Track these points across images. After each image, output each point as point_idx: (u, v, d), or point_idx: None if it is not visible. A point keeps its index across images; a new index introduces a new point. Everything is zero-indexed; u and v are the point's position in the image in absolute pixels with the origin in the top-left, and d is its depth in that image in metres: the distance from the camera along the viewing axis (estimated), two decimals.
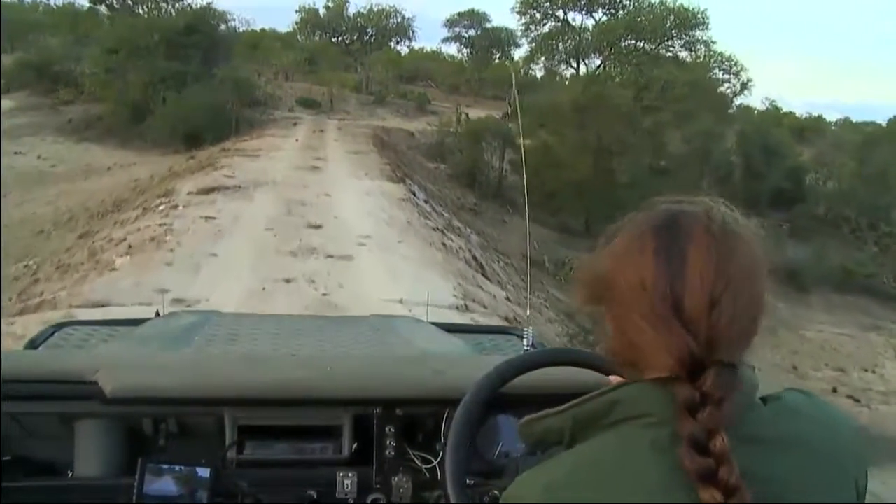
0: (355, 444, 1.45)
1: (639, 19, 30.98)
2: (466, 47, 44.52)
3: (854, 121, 44.92)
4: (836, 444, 0.83)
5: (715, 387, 0.74)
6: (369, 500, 1.42)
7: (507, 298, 9.82)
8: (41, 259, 11.27)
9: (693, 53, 31.42)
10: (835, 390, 15.05)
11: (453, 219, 16.46)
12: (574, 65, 33.31)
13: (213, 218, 11.39)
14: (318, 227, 11.41)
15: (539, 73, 36.29)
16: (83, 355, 1.90)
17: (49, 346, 2.22)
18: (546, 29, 33.54)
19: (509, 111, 29.32)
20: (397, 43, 45.56)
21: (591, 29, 32.83)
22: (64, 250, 11.53)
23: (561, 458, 0.81)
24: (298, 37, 44.00)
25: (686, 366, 0.76)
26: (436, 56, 47.79)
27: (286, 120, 26.50)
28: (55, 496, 1.37)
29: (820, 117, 46.53)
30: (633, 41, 31.26)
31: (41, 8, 41.44)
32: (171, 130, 23.14)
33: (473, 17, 43.69)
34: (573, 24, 33.12)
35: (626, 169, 22.84)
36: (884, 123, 36.75)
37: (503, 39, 43.03)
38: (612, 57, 31.66)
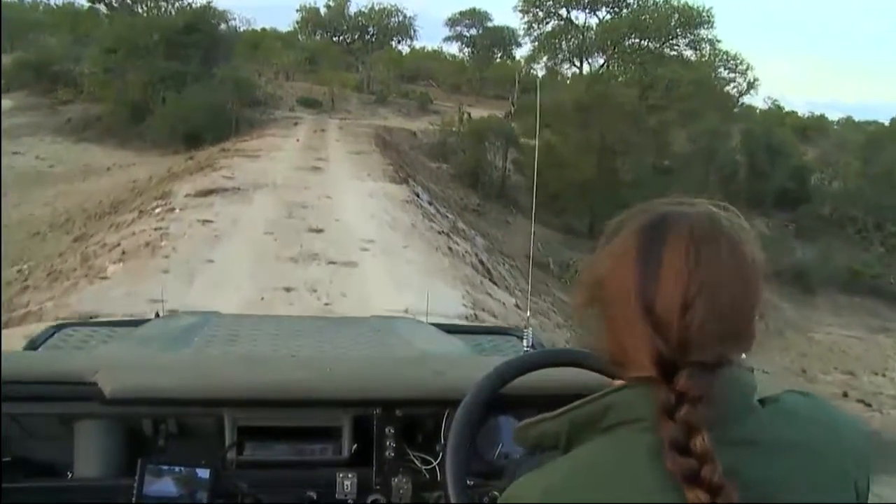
0: (355, 445, 1.45)
1: (643, 18, 30.84)
2: (468, 46, 44.44)
3: (856, 120, 44.79)
4: (835, 445, 0.82)
5: (688, 387, 0.74)
6: (369, 501, 1.42)
7: (517, 305, 9.53)
8: (35, 263, 10.98)
9: (698, 52, 31.24)
10: (845, 394, 14.82)
11: (458, 221, 16.19)
12: (577, 64, 33.13)
13: (211, 221, 11.08)
14: (319, 231, 11.11)
15: (541, 73, 36.11)
16: (83, 356, 1.90)
17: (49, 347, 2.22)
18: (549, 27, 33.40)
19: (512, 110, 29.12)
20: (398, 42, 45.45)
21: (594, 27, 32.65)
22: (58, 254, 11.26)
23: (558, 462, 0.81)
24: (299, 36, 43.86)
25: (660, 367, 0.76)
26: (437, 55, 47.64)
27: (287, 120, 26.31)
28: (55, 497, 1.37)
29: (822, 116, 46.45)
30: (637, 40, 31.07)
31: (41, 7, 41.33)
32: (170, 131, 23.00)
33: (475, 17, 43.63)
34: (576, 22, 32.97)
35: (630, 168, 22.62)
36: (886, 123, 36.60)
37: (505, 38, 42.98)
38: (615, 56, 31.48)
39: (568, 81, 33.28)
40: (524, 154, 22.73)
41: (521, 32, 35.71)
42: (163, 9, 30.58)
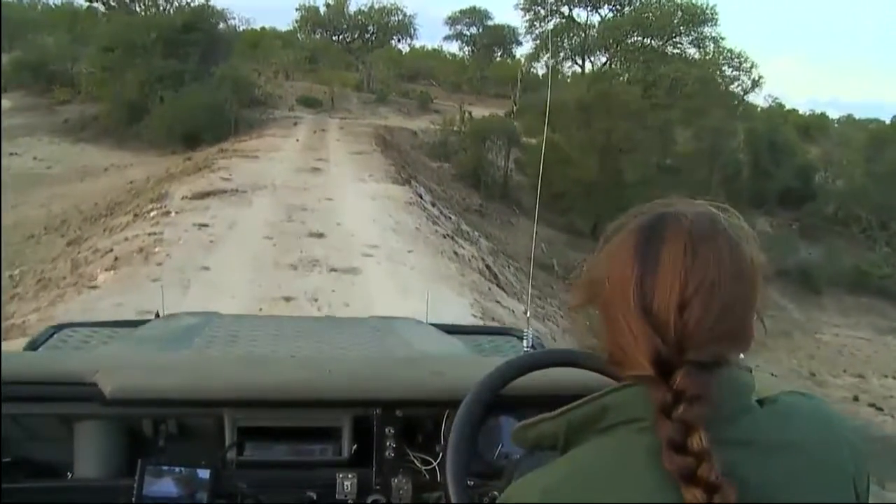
0: (355, 446, 1.45)
1: (645, 15, 30.64)
2: (468, 45, 44.37)
3: (857, 118, 44.66)
4: (833, 446, 0.82)
5: (686, 385, 0.75)
6: (369, 502, 1.42)
7: (526, 313, 9.26)
8: (27, 268, 10.65)
9: (701, 50, 31.03)
10: (856, 398, 14.62)
11: (461, 223, 15.91)
12: (579, 62, 32.94)
13: (207, 226, 10.73)
14: (320, 235, 10.75)
15: (541, 71, 35.93)
16: (83, 356, 1.90)
17: (48, 348, 2.22)
18: (551, 25, 33.22)
19: (514, 109, 28.90)
20: (398, 41, 45.41)
21: (596, 25, 32.46)
22: (50, 259, 10.95)
23: (558, 462, 0.81)
24: (299, 35, 43.81)
25: (657, 366, 0.76)
26: (437, 54, 47.47)
27: (286, 119, 26.06)
28: (55, 497, 1.37)
29: (823, 115, 46.28)
30: (640, 38, 30.87)
31: (39, 7, 41.13)
32: (168, 131, 22.78)
33: (475, 15, 43.68)
34: (578, 20, 32.80)
35: (635, 168, 22.40)
36: (887, 121, 36.51)
37: (505, 37, 42.92)
38: (618, 54, 31.29)
39: (568, 80, 33.13)
40: (527, 153, 22.53)
41: (523, 31, 35.57)
42: (161, 7, 30.39)
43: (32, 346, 2.24)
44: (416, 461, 1.44)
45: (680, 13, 30.36)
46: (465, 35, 44.03)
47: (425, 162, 23.73)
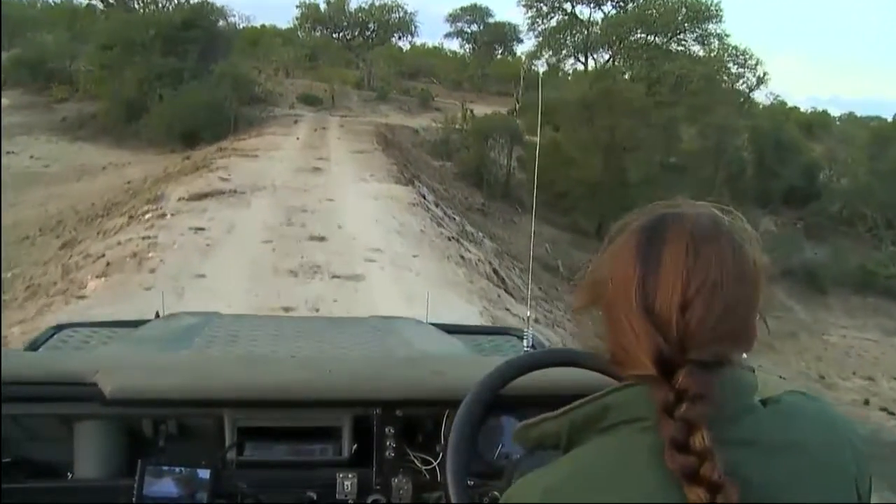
0: (355, 446, 1.45)
1: (649, 12, 30.43)
2: (469, 43, 44.23)
3: (858, 116, 44.50)
4: (836, 447, 0.83)
5: (688, 384, 0.75)
6: (369, 502, 1.42)
7: (536, 320, 8.98)
8: (19, 271, 10.36)
9: (706, 47, 30.81)
10: (867, 402, 14.37)
11: (465, 223, 15.61)
12: (582, 59, 32.72)
13: (204, 229, 10.39)
14: (321, 238, 10.41)
15: (542, 69, 35.74)
16: (83, 357, 1.91)
17: (49, 348, 2.22)
18: (553, 22, 33.04)
19: (517, 107, 28.68)
20: (399, 38, 45.31)
21: (599, 22, 32.26)
22: (43, 263, 10.66)
23: (560, 461, 0.81)
24: (299, 33, 43.73)
25: (659, 365, 0.77)
26: (438, 52, 47.32)
27: (287, 117, 25.83)
28: (55, 497, 1.38)
29: (825, 112, 46.17)
30: (644, 35, 30.66)
31: (39, 4, 40.91)
32: (167, 129, 22.63)
33: (476, 13, 43.64)
34: (581, 17, 32.58)
35: (638, 166, 22.18)
36: (889, 119, 36.34)
37: (506, 35, 42.83)
38: (621, 51, 31.08)
39: (569, 77, 32.94)
40: (529, 152, 22.33)
41: (525, 28, 35.40)
42: (160, 5, 30.19)
43: (33, 346, 2.24)
44: (416, 461, 1.44)
45: (684, 10, 30.16)
46: (466, 32, 43.97)
47: (427, 160, 23.49)
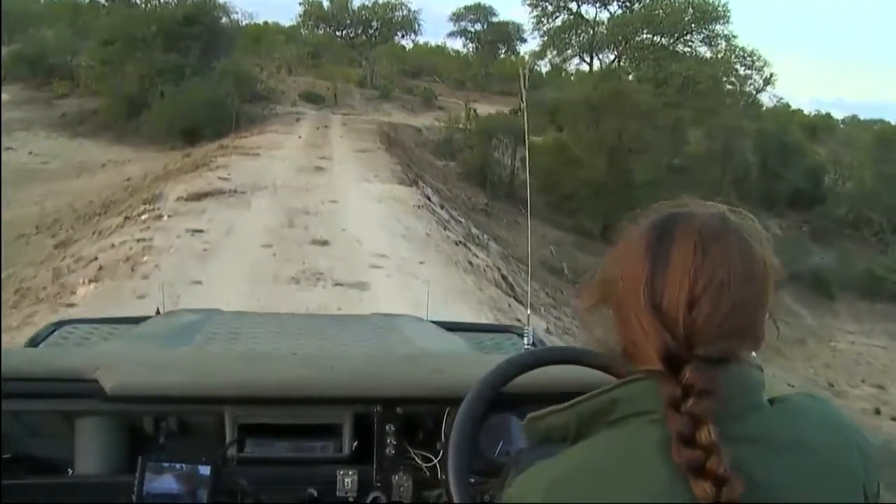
0: (356, 443, 1.45)
1: (656, 13, 30.23)
2: (472, 42, 44.08)
3: (861, 118, 44.40)
4: (843, 449, 0.83)
5: (695, 380, 0.75)
6: (370, 499, 1.42)
7: (547, 330, 8.70)
8: (11, 272, 10.03)
9: (713, 48, 30.60)
10: (878, 411, 14.13)
11: (471, 225, 15.35)
12: (587, 59, 32.53)
13: (202, 231, 10.09)
14: (324, 243, 10.09)
15: (545, 69, 35.51)
16: (83, 353, 1.92)
17: (49, 344, 2.22)
18: (558, 22, 32.83)
19: (522, 106, 28.49)
20: (402, 37, 45.21)
21: (605, 22, 32.07)
22: (36, 263, 10.37)
23: (568, 453, 0.81)
24: (302, 30, 43.69)
25: (667, 361, 0.77)
26: (441, 51, 47.19)
27: (289, 115, 25.65)
28: (56, 494, 1.38)
29: (829, 115, 46.09)
30: (650, 35, 30.46)
31: (42, 0, 40.73)
32: (167, 126, 22.46)
33: (479, 12, 43.50)
34: (587, 16, 32.40)
35: (644, 168, 21.97)
36: (893, 122, 36.25)
37: (509, 34, 42.69)
38: (627, 52, 30.87)
39: (572, 78, 32.74)
40: (533, 152, 22.12)
41: (530, 27, 35.20)
42: (162, 0, 29.96)
43: (33, 342, 2.24)
44: (416, 458, 1.44)
45: (691, 10, 29.94)
46: (470, 32, 43.82)
47: (430, 160, 23.30)
